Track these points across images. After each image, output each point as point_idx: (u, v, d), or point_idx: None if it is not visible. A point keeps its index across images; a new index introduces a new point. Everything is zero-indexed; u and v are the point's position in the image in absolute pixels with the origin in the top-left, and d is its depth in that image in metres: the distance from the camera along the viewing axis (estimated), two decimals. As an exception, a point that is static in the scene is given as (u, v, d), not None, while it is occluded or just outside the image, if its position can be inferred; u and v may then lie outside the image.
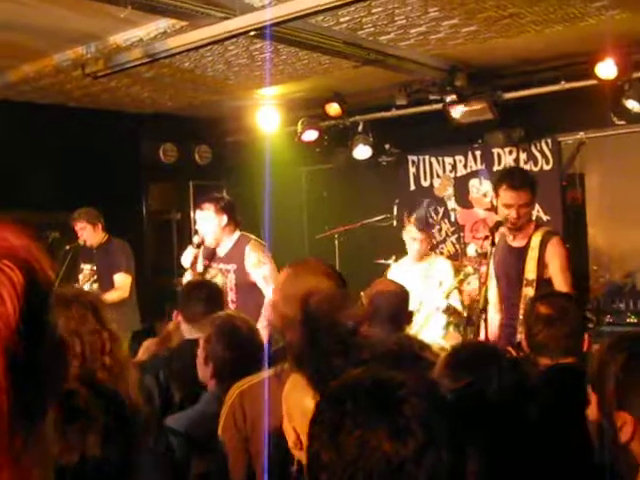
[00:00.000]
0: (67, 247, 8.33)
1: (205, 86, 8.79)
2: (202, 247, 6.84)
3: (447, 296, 7.14)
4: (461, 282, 7.35)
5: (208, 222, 6.74)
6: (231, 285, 6.66)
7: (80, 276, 8.52)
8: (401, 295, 4.69)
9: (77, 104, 9.40)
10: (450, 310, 7.13)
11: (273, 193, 8.94)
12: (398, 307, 4.59)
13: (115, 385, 2.52)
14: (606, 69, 7.64)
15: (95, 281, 8.42)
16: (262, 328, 5.75)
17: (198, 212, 6.89)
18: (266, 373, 3.06)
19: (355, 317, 2.81)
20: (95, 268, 8.47)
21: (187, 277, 6.88)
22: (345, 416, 1.42)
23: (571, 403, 2.46)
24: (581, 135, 9.00)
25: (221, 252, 6.80)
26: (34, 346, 1.00)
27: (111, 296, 7.83)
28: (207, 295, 4.98)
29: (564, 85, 8.29)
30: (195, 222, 7.11)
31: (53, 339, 1.06)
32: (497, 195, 5.53)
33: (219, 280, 6.66)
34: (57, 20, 6.36)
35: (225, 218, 6.71)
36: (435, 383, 1.58)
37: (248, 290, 6.60)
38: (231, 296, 6.62)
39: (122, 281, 8.30)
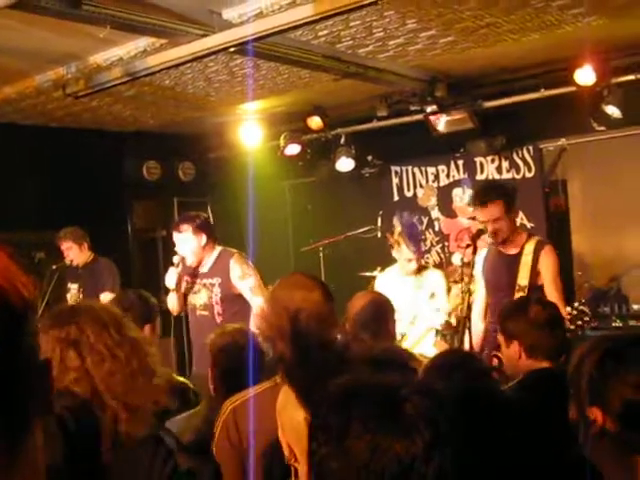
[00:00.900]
0: (53, 267, 8.34)
1: (186, 103, 8.81)
2: (182, 266, 6.78)
3: (448, 314, 7.12)
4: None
5: (188, 243, 6.69)
6: (216, 299, 6.67)
7: (68, 295, 8.50)
8: (382, 305, 4.68)
9: (59, 124, 9.40)
10: (448, 326, 7.12)
11: (257, 207, 8.97)
12: (377, 317, 4.57)
13: None
14: (585, 75, 7.71)
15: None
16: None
17: (176, 234, 6.77)
18: (258, 388, 3.08)
19: (344, 332, 2.85)
20: (81, 288, 8.45)
21: (171, 297, 6.87)
22: (352, 421, 1.43)
23: (554, 404, 2.49)
24: (562, 142, 9.06)
25: (204, 268, 6.78)
26: (5, 368, 1.00)
27: None
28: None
29: (544, 92, 8.34)
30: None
31: (30, 360, 1.06)
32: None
33: (204, 295, 6.73)
34: (37, 41, 6.37)
35: (204, 237, 6.69)
36: (431, 383, 1.60)
37: (233, 302, 6.64)
38: (217, 309, 6.65)
39: (108, 300, 8.20)
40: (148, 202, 10.82)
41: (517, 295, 5.33)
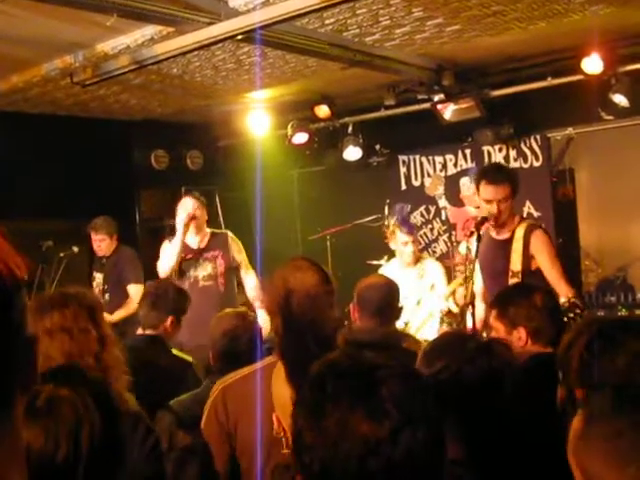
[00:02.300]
0: (61, 255, 8.36)
1: (194, 91, 8.82)
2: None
3: (447, 298, 7.15)
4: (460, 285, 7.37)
5: (201, 211, 7.36)
6: (220, 270, 7.26)
7: (94, 284, 8.54)
8: (389, 289, 4.69)
9: (67, 113, 9.42)
10: (449, 313, 7.14)
11: (265, 196, 8.98)
12: (386, 301, 4.59)
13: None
14: (592, 64, 7.70)
15: (106, 291, 8.40)
16: (259, 308, 6.58)
17: (192, 200, 7.38)
18: (250, 368, 3.11)
19: (336, 317, 2.88)
20: (106, 278, 8.47)
21: (174, 246, 7.31)
22: (326, 399, 1.46)
23: (548, 388, 2.50)
24: (570, 131, 9.05)
25: (202, 244, 7.38)
26: None
27: (130, 308, 7.80)
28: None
29: (551, 81, 8.33)
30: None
31: (17, 335, 1.08)
32: (478, 192, 5.62)
33: (208, 267, 7.31)
34: (45, 30, 6.39)
35: (205, 212, 7.46)
36: (411, 365, 1.62)
37: (232, 274, 7.41)
38: (220, 280, 7.27)
39: (136, 292, 7.85)
40: (156, 191, 10.83)
41: (511, 281, 5.33)
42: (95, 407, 1.96)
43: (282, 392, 2.39)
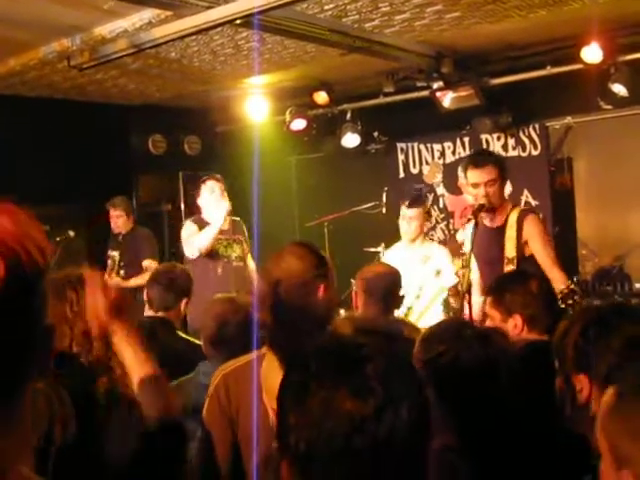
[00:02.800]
0: (57, 239, 8.35)
1: (192, 76, 8.79)
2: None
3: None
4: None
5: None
6: (245, 253, 7.74)
7: (109, 261, 8.86)
8: (393, 277, 4.72)
9: (65, 96, 9.39)
10: (447, 304, 7.14)
11: (263, 182, 8.94)
12: (390, 289, 4.62)
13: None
14: (591, 53, 7.67)
15: (122, 267, 8.76)
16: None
17: (217, 184, 7.78)
18: (250, 356, 3.10)
19: (329, 301, 2.87)
20: (122, 255, 8.79)
21: (211, 233, 7.49)
22: (310, 378, 1.45)
23: (544, 376, 2.50)
24: (568, 120, 9.03)
25: (224, 227, 7.61)
26: (10, 330, 1.01)
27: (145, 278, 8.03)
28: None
29: (550, 70, 8.30)
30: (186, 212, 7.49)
31: (36, 324, 1.06)
32: (466, 179, 5.61)
33: (237, 249, 7.72)
34: (42, 12, 6.35)
35: None
36: (397, 342, 1.62)
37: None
38: (246, 262, 7.75)
39: (149, 265, 8.49)
40: (153, 176, 10.81)
41: (507, 268, 5.32)
42: (71, 401, 1.95)
43: (276, 383, 2.38)
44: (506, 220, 5.47)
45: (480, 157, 5.77)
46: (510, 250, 5.36)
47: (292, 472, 1.47)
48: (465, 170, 5.60)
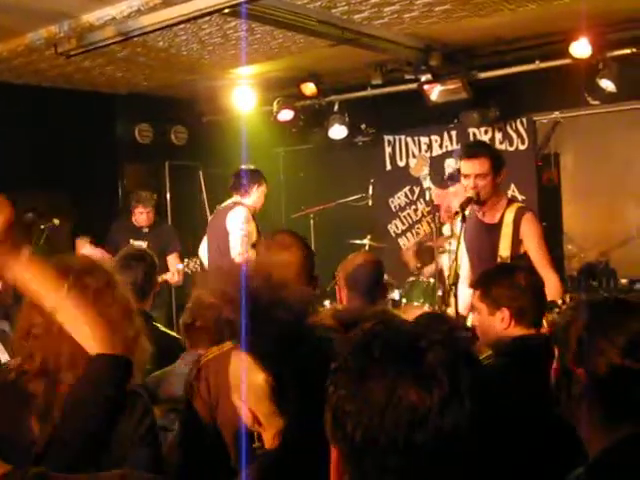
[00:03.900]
0: (42, 227, 8.31)
1: (180, 65, 8.74)
2: None
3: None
4: None
5: None
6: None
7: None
8: (375, 267, 4.66)
9: (52, 84, 9.33)
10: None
11: (249, 173, 8.92)
12: (373, 280, 4.56)
13: None
14: (580, 48, 7.67)
15: None
16: None
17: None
18: (231, 343, 3.08)
19: (303, 296, 2.84)
20: (150, 246, 8.58)
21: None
22: (372, 364, 1.39)
23: (533, 371, 2.49)
24: (556, 115, 9.05)
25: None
26: None
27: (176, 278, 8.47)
28: None
29: (539, 64, 8.29)
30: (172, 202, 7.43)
31: None
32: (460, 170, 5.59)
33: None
34: (29, -2, 6.31)
35: None
36: (456, 336, 1.55)
37: None
38: None
39: (178, 268, 8.56)
40: (139, 165, 10.76)
41: None
42: None
43: (251, 380, 2.33)
44: (502, 217, 5.42)
45: (473, 148, 5.73)
46: (504, 249, 5.32)
47: (345, 461, 1.42)
48: (459, 159, 5.58)
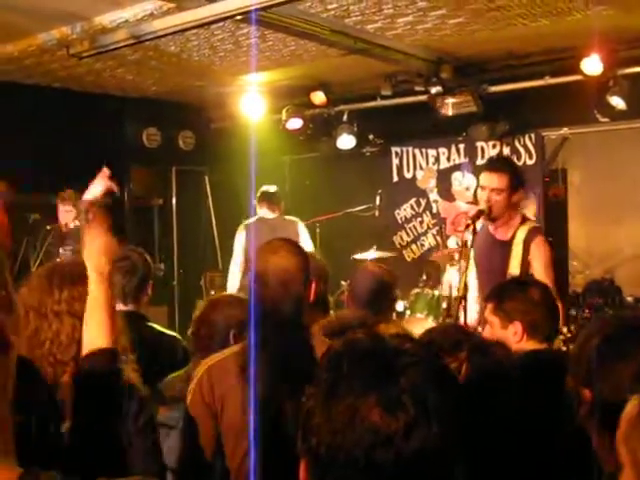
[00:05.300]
0: (47, 227, 8.30)
1: (190, 71, 8.74)
2: None
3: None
4: None
5: None
6: None
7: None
8: (379, 280, 4.61)
9: (62, 85, 9.34)
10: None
11: (256, 181, 8.93)
12: (375, 292, 4.51)
13: None
14: (591, 65, 7.67)
15: None
16: None
17: None
18: (233, 349, 3.08)
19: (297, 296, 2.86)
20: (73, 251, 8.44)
21: None
22: (341, 380, 1.37)
23: (545, 386, 2.47)
24: (565, 130, 9.03)
25: None
26: None
27: None
28: None
29: (549, 80, 8.29)
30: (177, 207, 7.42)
31: None
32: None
33: None
34: (43, -1, 6.32)
35: None
36: (437, 355, 1.52)
37: None
38: None
39: None
40: (146, 169, 10.77)
41: None
42: None
43: None
44: (514, 235, 5.37)
45: (496, 163, 5.70)
46: (514, 267, 5.28)
47: (310, 472, 1.40)
48: (481, 171, 5.57)
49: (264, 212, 8.40)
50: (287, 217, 8.51)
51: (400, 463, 1.30)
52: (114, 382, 2.35)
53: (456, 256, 7.40)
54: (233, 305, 3.93)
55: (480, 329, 4.95)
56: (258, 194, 8.58)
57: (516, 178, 5.40)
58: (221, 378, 2.97)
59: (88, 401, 2.31)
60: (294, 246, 3.16)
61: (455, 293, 6.52)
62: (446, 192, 9.97)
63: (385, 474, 1.31)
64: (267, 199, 8.44)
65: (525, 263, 5.30)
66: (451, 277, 7.49)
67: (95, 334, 2.38)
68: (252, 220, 8.45)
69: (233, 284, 8.14)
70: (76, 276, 2.67)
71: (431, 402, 1.33)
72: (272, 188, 8.54)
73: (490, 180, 5.32)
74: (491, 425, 2.40)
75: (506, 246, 5.39)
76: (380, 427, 1.30)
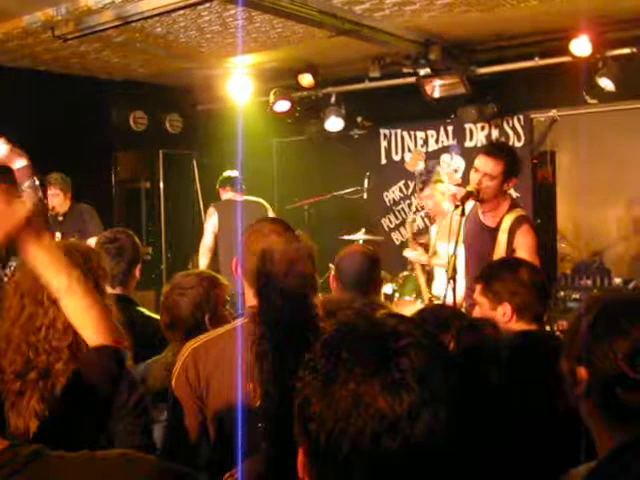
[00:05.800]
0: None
1: (177, 53, 8.68)
2: None
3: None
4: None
5: None
6: None
7: None
8: (367, 260, 4.56)
9: (47, 68, 9.26)
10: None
11: (244, 164, 8.90)
12: (361, 272, 4.45)
13: None
14: (580, 46, 7.64)
15: None
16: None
17: None
18: (219, 330, 3.05)
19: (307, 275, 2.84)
20: (64, 235, 8.31)
21: None
22: (339, 366, 1.32)
23: (535, 366, 2.45)
24: (553, 112, 8.99)
25: None
26: None
27: None
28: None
29: (538, 61, 8.26)
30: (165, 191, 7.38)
31: None
32: None
33: None
34: (27, -20, 6.25)
35: None
36: (437, 335, 1.47)
37: None
38: None
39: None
40: (133, 153, 10.71)
41: None
42: None
43: None
44: (500, 221, 5.35)
45: (493, 148, 5.60)
46: (499, 255, 5.25)
47: (308, 462, 1.36)
48: (476, 153, 5.55)
49: (230, 195, 8.47)
50: (253, 198, 8.53)
51: (409, 449, 1.26)
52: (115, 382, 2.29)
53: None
54: (196, 286, 3.90)
55: (465, 306, 4.96)
56: (221, 179, 8.68)
57: (511, 167, 5.36)
58: (207, 360, 2.94)
59: (84, 396, 2.25)
60: (287, 225, 3.14)
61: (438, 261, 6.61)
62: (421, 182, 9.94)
63: (392, 461, 1.27)
64: (230, 183, 8.51)
65: (509, 251, 5.28)
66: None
67: (93, 330, 2.31)
68: (221, 201, 8.56)
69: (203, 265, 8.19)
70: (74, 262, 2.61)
71: (435, 382, 1.29)
72: (234, 173, 8.62)
73: (485, 164, 5.29)
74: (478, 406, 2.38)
75: (492, 233, 5.37)
76: (385, 412, 1.26)
